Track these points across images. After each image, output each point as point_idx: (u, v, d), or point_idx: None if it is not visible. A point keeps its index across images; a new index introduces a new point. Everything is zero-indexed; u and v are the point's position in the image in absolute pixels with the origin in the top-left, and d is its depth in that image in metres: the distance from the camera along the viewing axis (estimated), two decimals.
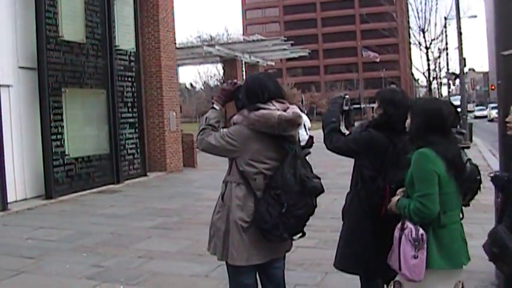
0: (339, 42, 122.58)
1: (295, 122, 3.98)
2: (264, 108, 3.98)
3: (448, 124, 3.84)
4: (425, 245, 3.66)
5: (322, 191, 4.04)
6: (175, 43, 20.66)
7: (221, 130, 4.18)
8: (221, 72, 71.93)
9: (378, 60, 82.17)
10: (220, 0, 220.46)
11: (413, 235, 3.67)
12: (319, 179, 4.06)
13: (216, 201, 4.29)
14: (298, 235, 4.10)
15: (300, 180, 3.90)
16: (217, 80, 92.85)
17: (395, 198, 3.96)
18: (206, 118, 4.28)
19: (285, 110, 4.02)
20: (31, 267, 7.57)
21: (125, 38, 17.19)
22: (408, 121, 3.95)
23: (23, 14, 13.74)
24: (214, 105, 4.33)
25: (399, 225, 3.83)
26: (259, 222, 3.94)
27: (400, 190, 3.99)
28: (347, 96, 4.70)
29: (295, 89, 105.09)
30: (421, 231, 3.66)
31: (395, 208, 3.91)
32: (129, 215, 11.34)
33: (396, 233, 3.84)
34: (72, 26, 14.71)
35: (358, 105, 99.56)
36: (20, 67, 13.68)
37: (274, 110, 3.98)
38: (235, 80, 4.45)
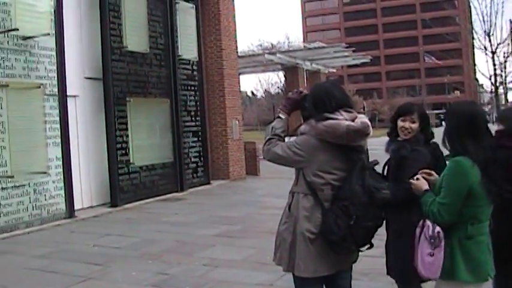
0: (400, 48, 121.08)
1: (363, 132, 3.91)
2: (332, 118, 3.90)
3: (481, 128, 3.76)
4: (442, 243, 3.65)
5: (390, 203, 3.95)
6: (237, 51, 20.74)
7: (287, 140, 4.11)
8: (282, 80, 72.01)
9: (440, 63, 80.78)
10: (281, 8, 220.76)
11: (430, 233, 3.68)
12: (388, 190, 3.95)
13: (283, 211, 4.21)
14: (366, 246, 4.02)
15: (368, 191, 3.80)
16: (278, 87, 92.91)
17: (424, 186, 3.89)
18: (272, 128, 4.22)
19: (353, 120, 3.94)
20: (98, 273, 7.67)
21: (187, 47, 17.33)
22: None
23: (88, 26, 14.04)
24: (280, 115, 4.27)
25: (420, 223, 3.80)
26: (326, 234, 3.85)
27: (422, 171, 3.99)
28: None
29: (357, 96, 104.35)
30: (437, 228, 3.67)
31: (418, 193, 3.88)
32: (193, 223, 11.40)
33: (417, 231, 3.82)
34: (135, 37, 14.93)
35: None
36: (86, 78, 13.97)
37: (342, 119, 3.90)
38: (301, 89, 4.37)
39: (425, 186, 3.90)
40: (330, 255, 3.93)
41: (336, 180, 3.92)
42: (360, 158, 3.94)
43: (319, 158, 3.93)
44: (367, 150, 4.16)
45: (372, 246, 4.03)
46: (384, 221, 4.06)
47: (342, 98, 4.05)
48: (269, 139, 4.18)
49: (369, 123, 3.97)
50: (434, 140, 4.64)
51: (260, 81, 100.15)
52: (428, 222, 3.73)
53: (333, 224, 3.80)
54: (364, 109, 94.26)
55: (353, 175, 3.85)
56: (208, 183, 17.76)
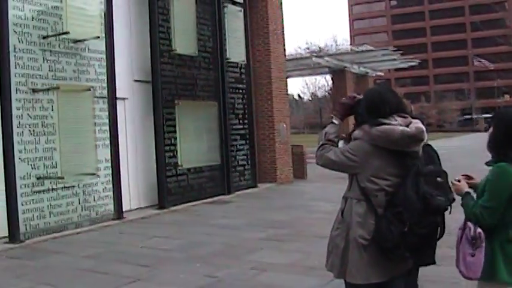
0: (449, 51, 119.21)
1: (418, 138, 3.84)
2: (386, 124, 3.84)
3: None
4: (483, 244, 3.67)
5: (446, 209, 3.83)
6: (285, 55, 20.69)
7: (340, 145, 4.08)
8: (329, 83, 71.74)
9: (491, 66, 79.39)
10: (328, 11, 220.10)
11: (472, 234, 3.70)
12: (446, 196, 3.83)
13: (335, 217, 4.14)
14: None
15: (422, 198, 3.69)
16: (325, 91, 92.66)
17: (464, 188, 3.92)
18: (325, 133, 4.17)
19: (407, 125, 3.86)
20: (146, 275, 7.70)
21: (235, 50, 17.35)
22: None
23: (137, 29, 14.17)
24: (333, 120, 4.23)
25: (461, 225, 3.82)
26: (380, 241, 3.76)
27: (463, 174, 4.02)
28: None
29: (405, 100, 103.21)
30: (478, 230, 3.69)
31: (459, 194, 3.91)
32: (240, 226, 11.37)
33: (458, 233, 3.84)
34: (184, 40, 15.01)
35: (469, 116, 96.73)
36: (135, 80, 14.10)
37: (397, 125, 3.84)
38: (354, 94, 4.31)
39: (466, 188, 3.93)
40: (383, 261, 3.84)
41: (390, 186, 3.83)
42: (415, 163, 3.83)
43: (373, 163, 3.86)
44: (437, 155, 4.10)
45: (433, 262, 4.05)
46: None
47: (396, 103, 4.01)
48: (322, 144, 4.13)
49: (424, 128, 3.88)
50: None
51: (307, 84, 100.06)
52: (469, 224, 3.74)
53: (386, 230, 3.72)
54: (411, 113, 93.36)
55: (407, 181, 3.76)
56: (256, 186, 17.73)
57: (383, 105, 3.93)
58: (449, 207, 3.83)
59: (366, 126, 3.92)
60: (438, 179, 3.87)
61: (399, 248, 3.72)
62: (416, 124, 3.88)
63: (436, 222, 3.82)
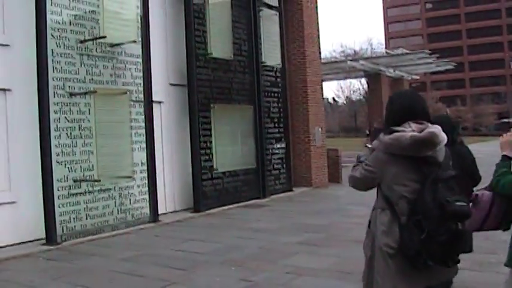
0: (485, 54, 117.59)
1: (429, 142, 3.72)
2: (399, 131, 3.78)
3: None
4: (483, 206, 3.88)
5: (467, 215, 3.67)
6: (320, 58, 20.62)
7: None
8: (364, 86, 71.36)
9: None
10: (363, 14, 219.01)
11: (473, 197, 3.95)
12: (467, 202, 3.70)
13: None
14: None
15: (439, 204, 3.57)
16: (360, 94, 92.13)
17: (504, 149, 3.97)
18: (358, 156, 4.17)
19: (421, 131, 3.76)
20: (182, 278, 7.70)
21: (271, 54, 17.33)
22: None
23: (173, 33, 14.26)
24: (368, 145, 4.20)
25: None
26: (404, 249, 3.68)
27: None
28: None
29: (440, 103, 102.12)
30: (478, 192, 3.95)
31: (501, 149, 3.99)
32: (276, 230, 11.32)
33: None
34: (220, 44, 15.03)
35: (506, 119, 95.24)
36: (171, 84, 14.18)
37: (409, 131, 3.76)
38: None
39: (506, 150, 3.96)
40: (411, 271, 3.74)
41: (410, 193, 3.73)
42: (432, 170, 3.74)
43: (390, 171, 3.81)
44: (473, 158, 4.05)
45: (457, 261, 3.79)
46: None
47: (415, 110, 3.91)
48: (353, 166, 4.13)
49: (439, 132, 3.76)
50: None
51: (341, 87, 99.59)
52: None
53: (408, 238, 3.65)
54: None
55: (425, 188, 3.66)
56: (291, 190, 17.67)
57: (400, 114, 3.89)
58: (470, 213, 3.71)
59: (381, 135, 3.90)
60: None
61: (421, 256, 3.62)
62: (430, 129, 3.77)
63: (456, 230, 3.64)
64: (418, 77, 45.86)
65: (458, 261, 3.77)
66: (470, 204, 3.70)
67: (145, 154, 12.46)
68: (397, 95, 4.18)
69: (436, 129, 3.78)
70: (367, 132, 27.99)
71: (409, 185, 3.74)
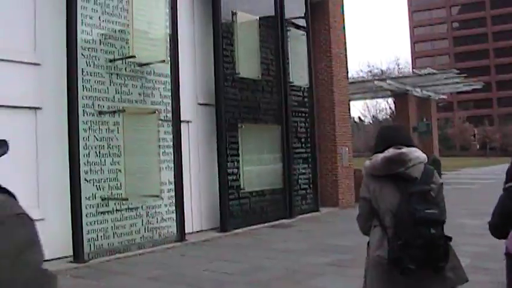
0: None
1: (397, 160, 4.16)
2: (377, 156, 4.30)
3: None
4: None
5: (436, 220, 4.03)
6: (347, 78, 20.60)
7: None
8: (390, 106, 71.03)
9: None
10: (390, 33, 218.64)
11: None
12: (437, 210, 4.08)
13: None
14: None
15: (411, 213, 3.98)
16: (386, 114, 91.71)
17: None
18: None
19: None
20: None
21: (298, 74, 17.35)
22: None
23: (202, 53, 14.36)
24: None
25: None
26: (389, 257, 4.01)
27: None
28: None
29: (467, 123, 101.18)
30: None
31: None
32: (302, 251, 11.26)
33: None
34: (248, 64, 15.09)
35: None
36: (199, 103, 14.25)
37: (384, 153, 4.24)
38: None
39: None
40: (402, 281, 4.01)
41: (393, 207, 4.10)
42: (407, 185, 4.12)
43: (374, 189, 4.23)
44: (436, 171, 4.38)
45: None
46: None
47: (394, 138, 4.41)
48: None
49: (408, 152, 4.21)
50: None
51: (368, 107, 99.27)
52: None
53: (390, 245, 4.03)
54: (474, 137, 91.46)
55: (401, 202, 4.07)
56: (317, 210, 17.58)
57: (382, 142, 4.41)
58: (440, 218, 4.09)
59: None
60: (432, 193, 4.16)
61: (402, 261, 3.92)
62: (400, 150, 4.22)
63: (429, 233, 3.97)
64: (445, 97, 45.57)
65: (441, 268, 4.03)
66: None
67: (172, 173, 12.51)
68: (383, 128, 5.04)
69: (407, 149, 4.23)
70: None
71: (390, 200, 4.13)
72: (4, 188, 1.90)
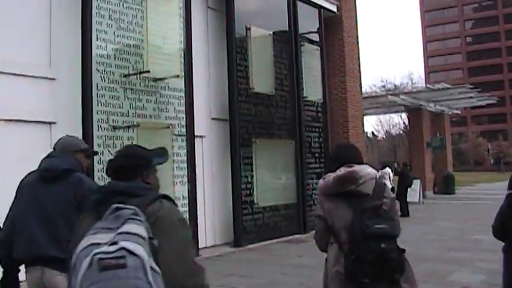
0: None
1: (347, 178, 4.24)
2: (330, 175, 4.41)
3: None
4: None
5: (386, 235, 4.09)
6: (361, 93, 20.57)
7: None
8: (404, 121, 70.78)
9: None
10: (403, 48, 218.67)
11: None
12: (388, 225, 4.16)
13: None
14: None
15: (362, 229, 4.07)
16: (399, 129, 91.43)
17: None
18: None
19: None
20: None
21: (312, 89, 17.35)
22: None
23: (216, 68, 14.39)
24: None
25: None
26: (346, 273, 4.13)
27: None
28: None
29: (481, 138, 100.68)
30: None
31: None
32: (317, 266, 11.07)
33: None
34: (262, 79, 15.10)
35: None
36: (213, 118, 14.25)
37: (336, 172, 4.35)
38: None
39: None
40: None
41: (348, 223, 4.18)
42: (358, 201, 4.20)
43: (329, 208, 4.32)
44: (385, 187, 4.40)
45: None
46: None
47: (347, 156, 4.51)
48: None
49: (359, 170, 4.32)
50: None
51: (381, 122, 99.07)
52: None
53: (346, 263, 4.13)
54: (488, 151, 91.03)
55: (354, 218, 4.15)
56: None
57: (335, 161, 4.52)
58: (390, 233, 4.14)
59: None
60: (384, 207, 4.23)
61: (355, 276, 4.05)
62: (352, 168, 4.32)
63: (380, 249, 4.04)
64: (459, 112, 45.33)
65: (396, 281, 4.10)
66: None
67: (186, 188, 12.48)
68: (336, 146, 5.27)
69: (358, 167, 4.33)
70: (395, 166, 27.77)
71: (344, 217, 4.21)
72: (167, 195, 2.77)
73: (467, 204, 26.69)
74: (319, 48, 18.07)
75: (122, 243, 2.12)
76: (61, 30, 10.81)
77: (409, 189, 23.21)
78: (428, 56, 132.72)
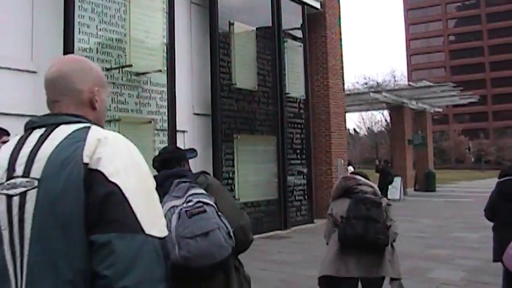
0: (508, 87, 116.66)
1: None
2: None
3: None
4: None
5: (373, 201, 5.44)
6: (343, 90, 20.63)
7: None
8: (386, 118, 71.08)
9: None
10: (386, 45, 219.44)
11: None
12: (377, 199, 5.56)
13: None
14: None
15: (355, 198, 5.58)
16: (381, 126, 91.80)
17: None
18: None
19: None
20: None
21: (294, 85, 17.38)
22: None
23: (198, 63, 14.35)
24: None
25: None
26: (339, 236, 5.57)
27: None
28: None
29: (462, 136, 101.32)
30: None
31: None
32: (298, 262, 11.22)
33: None
34: (244, 74, 15.10)
35: None
36: (195, 113, 14.21)
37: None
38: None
39: None
40: (352, 256, 5.38)
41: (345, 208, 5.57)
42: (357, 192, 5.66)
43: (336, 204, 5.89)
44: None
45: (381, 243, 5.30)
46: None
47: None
48: None
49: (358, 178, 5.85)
50: None
51: (363, 118, 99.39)
52: None
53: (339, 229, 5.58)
54: (469, 150, 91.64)
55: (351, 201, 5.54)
56: (312, 222, 17.52)
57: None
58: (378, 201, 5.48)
59: None
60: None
61: (346, 232, 5.40)
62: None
63: (366, 210, 5.32)
64: (441, 110, 45.57)
65: (381, 246, 5.24)
66: None
67: None
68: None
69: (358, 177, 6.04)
70: (377, 163, 27.89)
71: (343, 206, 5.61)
72: (206, 171, 3.82)
73: (448, 201, 26.88)
74: (302, 45, 18.10)
75: (197, 198, 3.16)
76: (43, 23, 10.74)
77: (390, 186, 23.37)
78: (411, 54, 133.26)
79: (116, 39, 11.70)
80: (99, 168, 1.81)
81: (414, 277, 9.46)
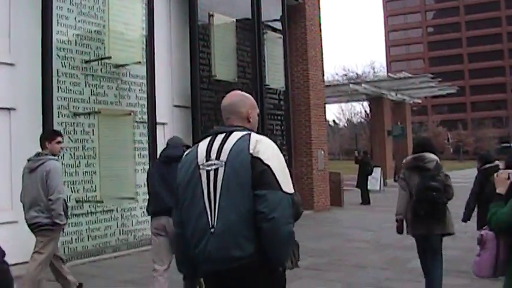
0: (486, 78, 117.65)
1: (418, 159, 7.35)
2: None
3: None
4: (490, 247, 4.08)
5: (437, 188, 6.90)
6: (323, 81, 20.67)
7: None
8: (366, 110, 71.42)
9: None
10: (365, 37, 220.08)
11: (479, 236, 4.23)
12: (440, 185, 7.01)
13: None
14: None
15: (424, 184, 7.02)
16: (361, 117, 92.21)
17: (499, 187, 4.18)
18: None
19: None
20: None
21: (274, 77, 17.36)
22: None
23: (178, 55, 14.29)
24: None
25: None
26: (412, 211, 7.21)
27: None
28: None
29: (441, 127, 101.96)
30: (482, 232, 4.18)
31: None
32: None
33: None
34: (224, 66, 15.05)
35: (507, 144, 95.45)
36: (175, 105, 14.17)
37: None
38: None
39: (500, 189, 4.18)
40: (421, 223, 7.06)
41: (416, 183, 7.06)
42: (424, 172, 7.08)
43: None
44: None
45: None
46: None
47: (422, 145, 7.52)
48: None
49: (426, 155, 7.18)
50: None
51: (343, 110, 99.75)
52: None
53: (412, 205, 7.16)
54: (448, 141, 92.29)
55: (420, 180, 7.00)
56: None
57: (416, 147, 7.77)
58: (440, 187, 6.95)
59: None
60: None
61: (417, 210, 6.98)
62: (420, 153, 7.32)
63: (432, 195, 6.89)
64: (420, 101, 45.92)
65: (441, 220, 7.01)
66: (478, 246, 4.25)
67: None
68: (417, 139, 7.00)
69: (426, 153, 7.29)
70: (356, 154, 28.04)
71: (415, 180, 7.07)
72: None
73: None
74: (281, 36, 18.07)
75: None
76: (21, 15, 10.64)
77: (369, 177, 23.46)
78: (390, 45, 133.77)
79: (94, 31, 11.65)
80: (259, 156, 3.19)
81: (394, 267, 9.54)
